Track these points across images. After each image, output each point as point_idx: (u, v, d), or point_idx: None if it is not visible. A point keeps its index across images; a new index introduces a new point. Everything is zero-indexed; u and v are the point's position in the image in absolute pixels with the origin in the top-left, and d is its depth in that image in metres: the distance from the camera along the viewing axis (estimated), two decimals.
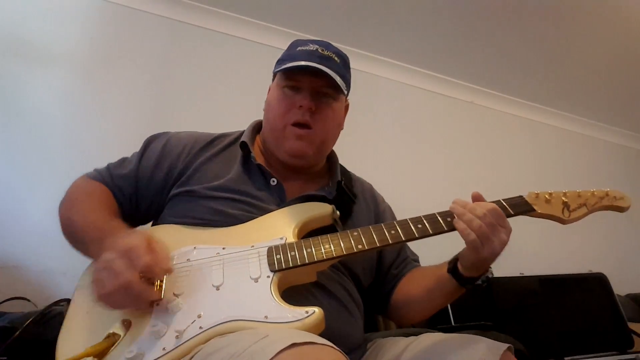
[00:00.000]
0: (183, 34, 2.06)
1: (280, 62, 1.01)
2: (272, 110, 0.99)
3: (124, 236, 0.73)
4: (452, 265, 0.87)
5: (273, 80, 1.05)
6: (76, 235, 0.86)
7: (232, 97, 2.04)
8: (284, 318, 0.68)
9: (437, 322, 1.57)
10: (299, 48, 0.99)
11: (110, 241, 0.72)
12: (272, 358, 0.52)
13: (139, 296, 0.69)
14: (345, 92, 1.01)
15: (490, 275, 0.87)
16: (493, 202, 0.85)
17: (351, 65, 1.05)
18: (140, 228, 0.99)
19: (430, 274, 0.96)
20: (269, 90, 1.06)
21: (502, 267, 1.80)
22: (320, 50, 0.97)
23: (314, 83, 0.95)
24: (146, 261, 0.68)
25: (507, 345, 0.74)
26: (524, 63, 2.56)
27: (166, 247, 0.75)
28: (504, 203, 0.86)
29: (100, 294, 0.69)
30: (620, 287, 2.13)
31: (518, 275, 1.86)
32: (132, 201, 0.96)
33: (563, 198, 0.88)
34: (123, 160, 1.01)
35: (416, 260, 1.10)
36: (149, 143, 1.01)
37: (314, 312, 0.68)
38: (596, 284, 1.94)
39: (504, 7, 2.13)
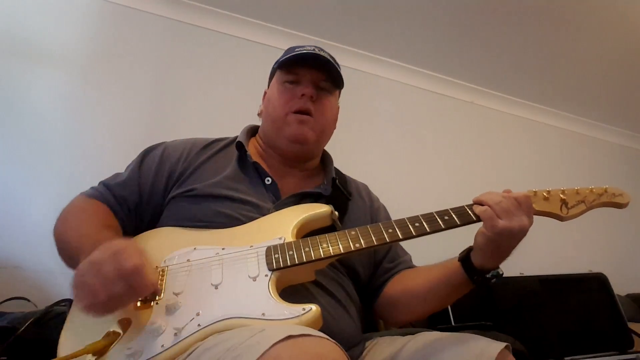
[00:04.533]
0: (183, 34, 2.07)
1: (279, 61, 1.06)
2: (273, 102, 1.03)
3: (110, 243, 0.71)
4: (465, 254, 0.87)
5: (271, 79, 1.11)
6: (68, 251, 0.84)
7: (232, 96, 2.04)
8: (281, 315, 0.68)
9: (437, 322, 1.57)
10: (297, 49, 1.04)
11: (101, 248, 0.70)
12: (268, 349, 0.53)
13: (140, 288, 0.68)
14: (340, 88, 1.08)
15: (501, 273, 0.85)
16: None
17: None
18: None
19: (438, 267, 0.95)
20: (268, 88, 1.11)
21: (502, 267, 1.80)
22: (317, 51, 1.03)
23: (313, 75, 1.02)
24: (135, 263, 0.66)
25: (504, 343, 0.74)
26: (524, 63, 2.56)
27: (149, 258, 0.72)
28: None
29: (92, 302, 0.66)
30: (620, 287, 2.13)
31: (518, 275, 1.85)
32: (137, 213, 0.96)
33: (561, 195, 0.88)
34: (117, 175, 1.01)
35: (409, 259, 1.09)
36: (146, 153, 1.02)
37: (311, 309, 0.68)
38: (596, 284, 1.94)
39: (504, 7, 2.13)
